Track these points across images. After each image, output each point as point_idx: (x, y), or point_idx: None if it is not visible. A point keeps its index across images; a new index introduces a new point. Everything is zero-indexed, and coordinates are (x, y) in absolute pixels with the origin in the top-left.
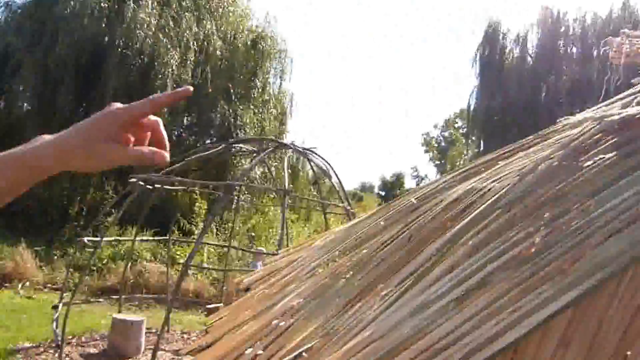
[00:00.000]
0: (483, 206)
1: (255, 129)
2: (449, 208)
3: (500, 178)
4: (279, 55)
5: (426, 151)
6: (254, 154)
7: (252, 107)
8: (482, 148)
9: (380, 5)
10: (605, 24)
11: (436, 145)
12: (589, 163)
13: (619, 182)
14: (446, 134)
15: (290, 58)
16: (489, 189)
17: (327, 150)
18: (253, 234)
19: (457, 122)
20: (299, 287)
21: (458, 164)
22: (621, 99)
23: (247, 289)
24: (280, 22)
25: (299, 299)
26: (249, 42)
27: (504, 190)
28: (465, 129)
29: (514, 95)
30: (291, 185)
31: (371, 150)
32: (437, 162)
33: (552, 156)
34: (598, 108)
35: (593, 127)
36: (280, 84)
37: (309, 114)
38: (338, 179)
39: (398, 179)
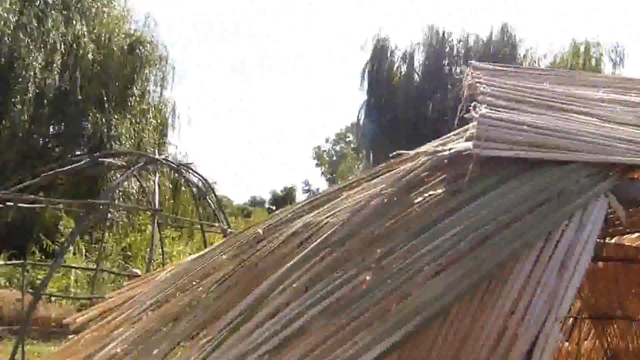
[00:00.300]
0: (314, 243)
1: (132, 141)
2: (287, 243)
3: (338, 212)
4: (160, 61)
5: (317, 165)
6: (125, 169)
7: (129, 116)
8: (371, 163)
9: (273, 16)
10: (486, 45)
11: (327, 159)
12: (419, 199)
13: (445, 220)
14: (337, 147)
15: (172, 65)
16: (325, 224)
17: (215, 163)
18: (129, 253)
19: (348, 136)
20: (127, 330)
21: (349, 178)
22: (457, 134)
23: (76, 331)
24: (167, 27)
25: (124, 345)
26: (125, 47)
27: (335, 227)
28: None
29: (401, 112)
30: (172, 201)
31: (262, 163)
32: (329, 176)
33: (384, 192)
34: (436, 142)
35: (424, 162)
36: (161, 92)
37: (196, 125)
38: (215, 196)
39: (289, 192)
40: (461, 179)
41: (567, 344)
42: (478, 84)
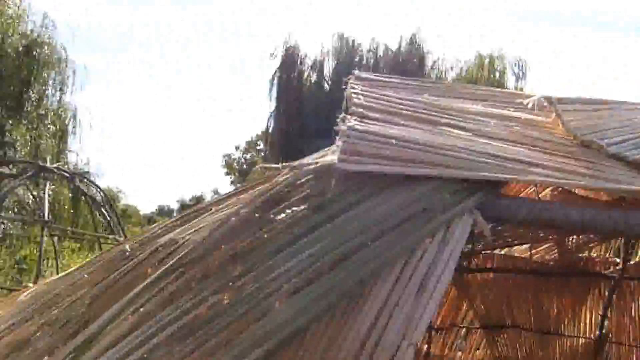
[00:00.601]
0: (169, 263)
1: (29, 147)
2: (149, 260)
3: (200, 228)
4: (59, 64)
5: (227, 173)
6: (13, 178)
7: (24, 122)
8: None
9: (184, 21)
10: (395, 56)
11: (237, 167)
12: (280, 216)
13: (306, 238)
14: (248, 156)
15: (73, 68)
16: (185, 241)
17: (122, 171)
18: (25, 266)
19: (258, 145)
20: None
21: None
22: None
23: None
24: (73, 30)
25: None
26: (21, 48)
27: (194, 245)
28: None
29: (311, 121)
30: (72, 212)
31: (171, 171)
32: (239, 185)
33: (245, 207)
34: (315, 155)
35: (289, 176)
36: (61, 97)
37: (100, 132)
38: (111, 206)
39: (198, 201)
40: (324, 194)
41: (460, 353)
42: (353, 95)
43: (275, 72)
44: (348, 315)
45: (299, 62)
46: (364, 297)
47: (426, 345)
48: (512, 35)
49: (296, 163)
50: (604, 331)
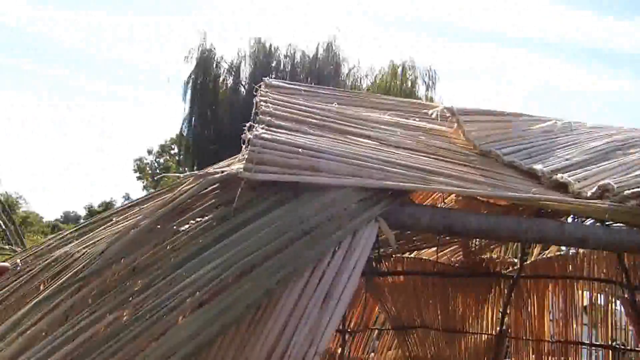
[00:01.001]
0: (65, 277)
1: None
2: (40, 275)
3: (99, 240)
4: None
5: (139, 178)
6: None
7: None
8: None
9: (98, 22)
10: (312, 62)
11: (150, 171)
12: (184, 227)
13: (211, 249)
14: (161, 160)
15: None
16: (81, 255)
17: (24, 176)
18: None
19: (172, 149)
20: None
21: None
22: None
23: None
24: None
25: None
26: None
27: (90, 259)
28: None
29: (227, 125)
30: None
31: (78, 175)
32: (152, 190)
33: (147, 218)
34: (223, 163)
35: (194, 186)
36: None
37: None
38: (8, 215)
39: (108, 207)
40: (230, 204)
41: (372, 354)
42: (262, 103)
43: (190, 75)
44: (255, 327)
45: (214, 65)
46: (271, 307)
47: (340, 349)
48: (423, 47)
49: (201, 172)
50: (504, 327)
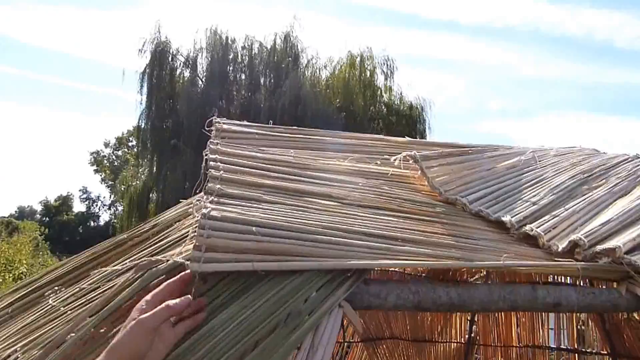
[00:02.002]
0: None
1: None
2: None
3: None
4: None
5: (97, 171)
6: None
7: None
8: (154, 170)
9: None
10: (270, 54)
11: (108, 164)
12: None
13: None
14: (119, 152)
15: None
16: None
17: None
18: None
19: (130, 141)
20: None
21: (133, 184)
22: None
23: None
24: None
25: None
26: None
27: None
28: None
29: (185, 117)
30: None
31: (31, 169)
32: (111, 183)
33: (74, 329)
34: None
35: (134, 278)
36: None
37: None
38: None
39: (65, 202)
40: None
41: None
42: (211, 164)
43: (146, 68)
44: None
45: (170, 58)
46: None
47: None
48: (381, 36)
49: (143, 262)
50: (472, 335)
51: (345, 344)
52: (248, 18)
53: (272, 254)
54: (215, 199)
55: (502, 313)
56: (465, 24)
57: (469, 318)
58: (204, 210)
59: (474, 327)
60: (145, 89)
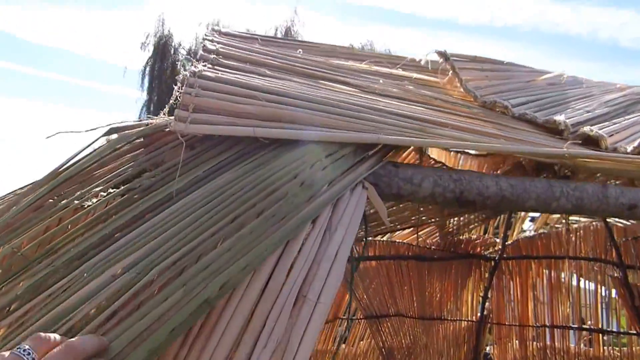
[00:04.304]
0: None
1: None
2: None
3: None
4: None
5: None
6: None
7: None
8: None
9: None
10: None
11: None
12: (89, 203)
13: (125, 235)
14: None
15: None
16: None
17: None
18: None
19: None
20: None
21: None
22: None
23: None
24: None
25: None
26: None
27: None
28: None
29: None
30: None
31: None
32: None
33: (27, 195)
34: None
35: (102, 145)
36: None
37: None
38: None
39: None
40: (157, 169)
41: (344, 346)
42: (207, 43)
43: (148, 61)
44: (198, 339)
45: (172, 51)
46: (222, 311)
47: None
48: (382, 33)
49: (114, 125)
50: (484, 312)
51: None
52: (249, 12)
53: (277, 120)
54: (209, 65)
55: (518, 290)
56: (464, 23)
57: (481, 295)
58: (192, 69)
59: (487, 304)
60: (146, 83)
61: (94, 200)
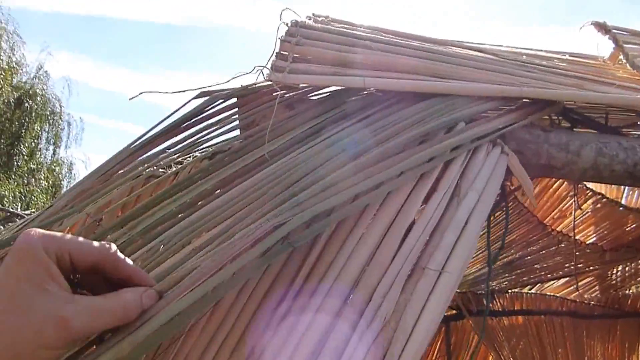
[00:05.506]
0: None
1: (20, 203)
2: None
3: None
4: (52, 117)
5: None
6: None
7: (14, 177)
8: None
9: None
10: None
11: None
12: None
13: (218, 200)
14: None
15: (67, 121)
16: None
17: None
18: None
19: None
20: None
21: None
22: None
23: None
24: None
25: None
26: (13, 100)
27: None
28: None
29: None
30: None
31: None
32: None
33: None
34: None
35: (198, 106)
36: (54, 151)
37: None
38: None
39: None
40: (253, 128)
41: None
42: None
43: None
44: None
45: None
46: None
47: None
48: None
49: (204, 88)
50: None
51: None
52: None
53: (396, 71)
54: (309, 22)
55: None
56: None
57: None
58: (292, 20)
59: None
60: None
61: (178, 165)
